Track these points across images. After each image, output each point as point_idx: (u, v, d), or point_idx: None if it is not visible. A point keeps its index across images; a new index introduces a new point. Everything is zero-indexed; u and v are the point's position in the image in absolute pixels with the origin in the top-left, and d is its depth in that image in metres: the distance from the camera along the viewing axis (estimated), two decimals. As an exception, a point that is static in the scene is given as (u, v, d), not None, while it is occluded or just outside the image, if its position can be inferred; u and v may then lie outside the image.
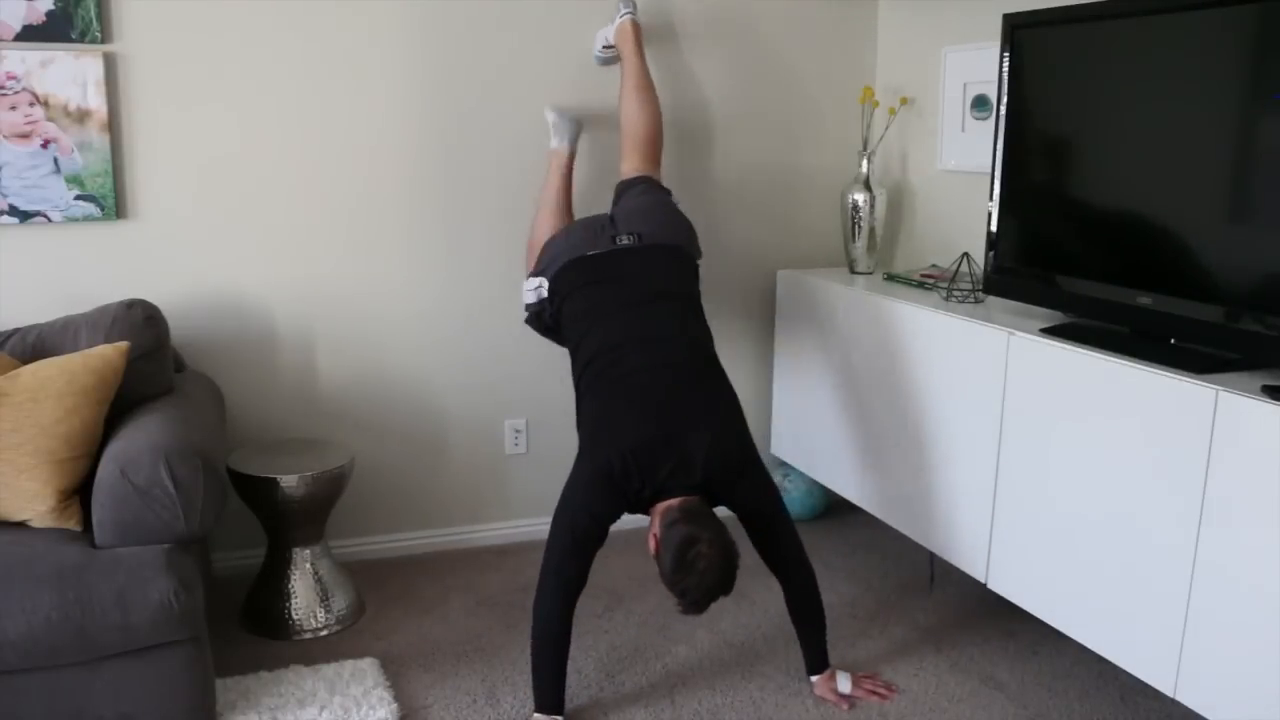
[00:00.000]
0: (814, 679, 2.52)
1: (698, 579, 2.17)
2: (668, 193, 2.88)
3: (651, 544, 2.28)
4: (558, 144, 3.01)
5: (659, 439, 2.31)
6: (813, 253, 3.60)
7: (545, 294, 2.66)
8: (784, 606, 2.55)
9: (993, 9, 2.97)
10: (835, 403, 3.18)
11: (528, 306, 2.74)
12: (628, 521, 2.48)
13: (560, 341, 2.69)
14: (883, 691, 2.51)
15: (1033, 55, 2.53)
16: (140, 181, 2.88)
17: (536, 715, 2.35)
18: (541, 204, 2.96)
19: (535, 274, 2.71)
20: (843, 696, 2.49)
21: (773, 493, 2.42)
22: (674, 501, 2.29)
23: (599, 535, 2.33)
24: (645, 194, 2.82)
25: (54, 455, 2.26)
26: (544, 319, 2.71)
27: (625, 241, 2.60)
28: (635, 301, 2.52)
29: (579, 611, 2.68)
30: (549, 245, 2.73)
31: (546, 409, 3.38)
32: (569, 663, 2.42)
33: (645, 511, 2.36)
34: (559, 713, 2.35)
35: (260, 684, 2.49)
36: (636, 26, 3.01)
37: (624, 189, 2.88)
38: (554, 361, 3.33)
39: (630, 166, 2.92)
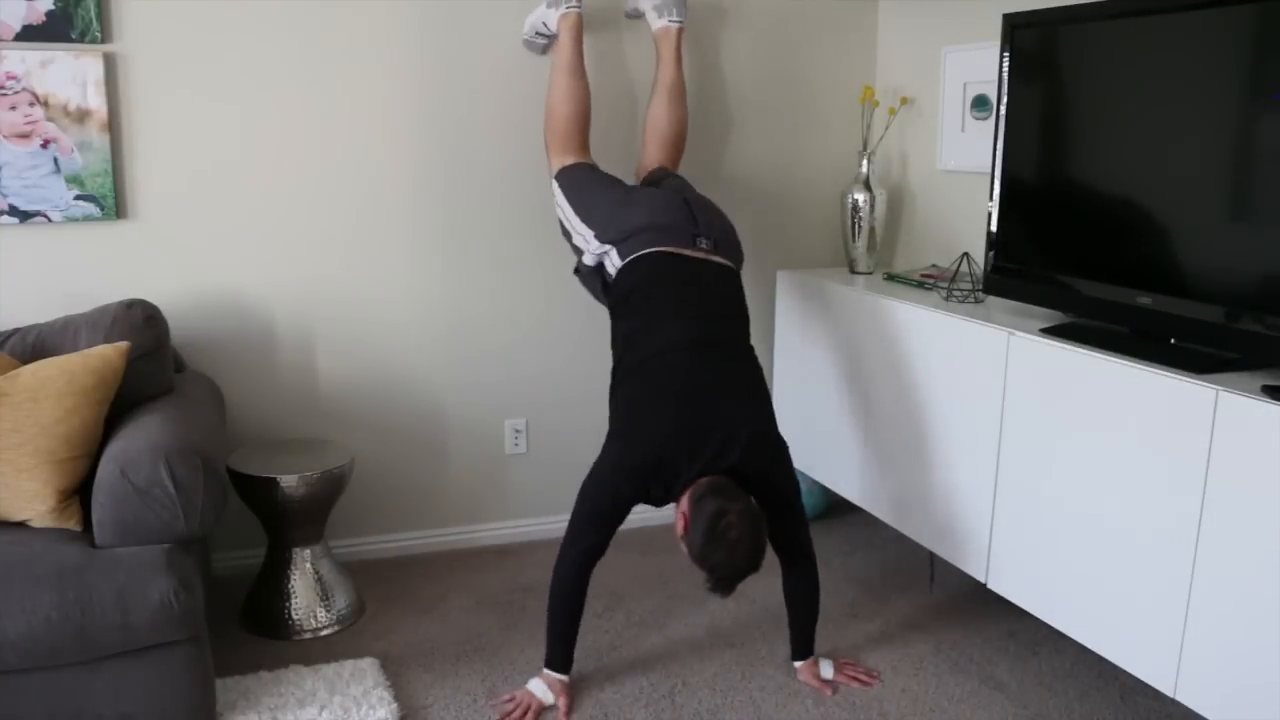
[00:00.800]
0: (797, 665, 2.60)
1: (727, 552, 2.21)
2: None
3: (680, 523, 2.31)
4: (566, 9, 2.95)
5: (703, 426, 2.35)
6: (813, 253, 3.60)
7: (610, 264, 2.63)
8: (785, 605, 2.62)
9: (993, 9, 2.97)
10: (835, 403, 3.18)
11: (583, 266, 2.72)
12: (627, 522, 2.49)
13: (601, 299, 2.72)
14: (864, 678, 2.57)
15: (1033, 55, 2.53)
16: (140, 181, 2.88)
17: (546, 671, 2.46)
18: (556, 69, 2.94)
19: (605, 240, 2.63)
20: (825, 682, 2.56)
21: (795, 481, 2.50)
22: (701, 480, 2.32)
23: (622, 514, 2.41)
24: (694, 190, 2.87)
25: (54, 455, 2.26)
26: (594, 284, 2.71)
27: (704, 246, 2.59)
28: (705, 315, 2.51)
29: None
30: (622, 209, 2.64)
31: (546, 409, 3.38)
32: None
33: (675, 500, 2.39)
34: (566, 672, 2.45)
35: (260, 684, 2.49)
36: (681, 31, 3.08)
37: (662, 175, 2.96)
38: (554, 361, 3.33)
39: (652, 161, 3.00)
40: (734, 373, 2.47)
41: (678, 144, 3.04)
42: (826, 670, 2.58)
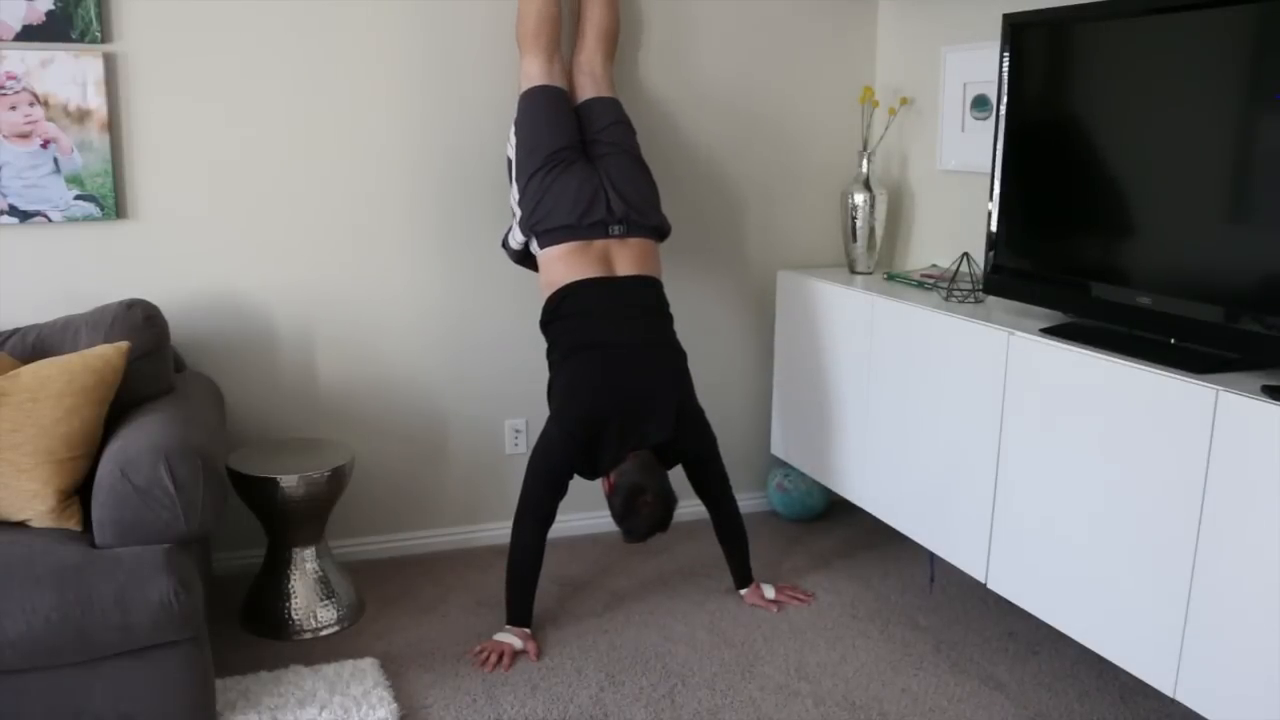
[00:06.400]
0: (743, 592, 2.98)
1: (638, 521, 2.63)
2: (626, 120, 3.01)
3: (605, 486, 2.71)
4: None
5: (630, 394, 2.68)
6: (813, 253, 3.60)
7: (533, 248, 2.89)
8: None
9: (993, 9, 2.97)
10: (835, 403, 3.18)
11: (510, 249, 3.00)
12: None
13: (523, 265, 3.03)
14: (801, 596, 2.97)
15: (1033, 55, 2.53)
16: (140, 181, 2.88)
17: (509, 627, 2.71)
18: None
19: (527, 230, 2.86)
20: (770, 601, 2.93)
21: (713, 437, 2.86)
22: (630, 454, 2.67)
23: (566, 481, 2.73)
24: (623, 148, 2.94)
25: (54, 455, 2.26)
26: (517, 257, 3.00)
27: (617, 233, 2.82)
28: (624, 312, 2.79)
29: (578, 611, 2.92)
30: (546, 195, 2.81)
31: (546, 409, 3.37)
32: (569, 663, 2.56)
33: (606, 473, 2.71)
34: (527, 625, 2.73)
35: (260, 684, 2.49)
36: None
37: (593, 111, 2.98)
38: (554, 361, 3.33)
39: (588, 58, 3.03)
40: (655, 359, 2.77)
41: (615, 35, 3.06)
42: (769, 591, 2.95)
